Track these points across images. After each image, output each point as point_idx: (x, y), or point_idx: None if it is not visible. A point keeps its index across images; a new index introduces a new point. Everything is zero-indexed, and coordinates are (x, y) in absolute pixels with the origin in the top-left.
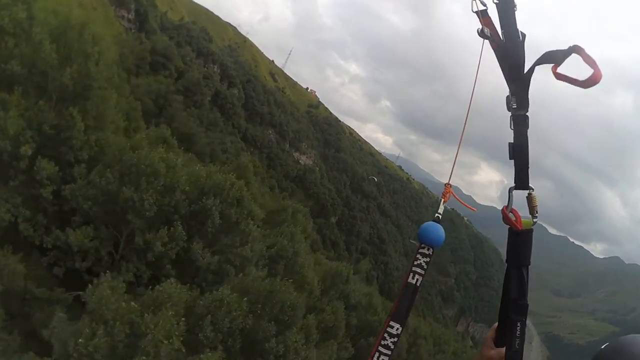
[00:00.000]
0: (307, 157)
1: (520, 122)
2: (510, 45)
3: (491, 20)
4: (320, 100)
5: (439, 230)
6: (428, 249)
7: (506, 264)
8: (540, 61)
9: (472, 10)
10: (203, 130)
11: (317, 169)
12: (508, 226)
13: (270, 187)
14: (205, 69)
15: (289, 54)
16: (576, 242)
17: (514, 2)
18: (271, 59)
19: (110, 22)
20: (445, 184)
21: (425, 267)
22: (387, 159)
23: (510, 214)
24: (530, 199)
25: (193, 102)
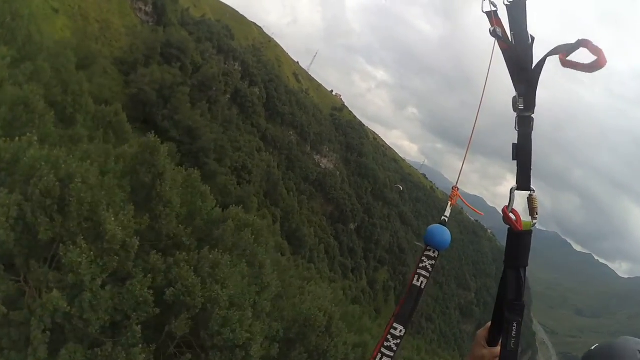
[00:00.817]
0: (328, 161)
1: (525, 123)
2: (520, 48)
3: (501, 22)
4: (346, 105)
5: (445, 233)
6: (434, 252)
7: (504, 265)
8: (551, 54)
9: (483, 11)
10: (216, 125)
11: (338, 173)
12: (508, 226)
13: (288, 189)
14: (226, 65)
15: (315, 56)
16: (601, 260)
17: (525, 4)
18: (296, 61)
19: (126, 13)
20: (452, 187)
21: (430, 269)
22: (411, 166)
23: (511, 215)
24: (530, 200)
25: (207, 98)
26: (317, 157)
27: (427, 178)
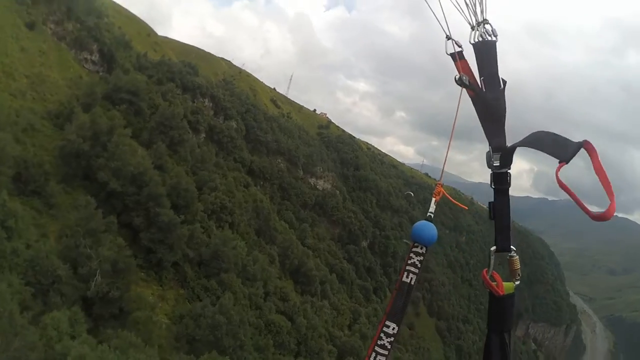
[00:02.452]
0: (324, 181)
1: (501, 180)
2: (491, 96)
3: (467, 64)
4: (336, 122)
5: (431, 229)
6: (421, 248)
7: (487, 329)
8: (537, 145)
9: (447, 53)
10: (181, 167)
11: (338, 192)
12: (488, 290)
13: (286, 220)
14: (194, 103)
15: (290, 78)
16: (619, 215)
17: (495, 45)
18: (272, 87)
19: (68, 66)
20: (436, 183)
21: (419, 265)
22: (411, 169)
23: (491, 278)
24: (511, 262)
25: (169, 139)
26: (312, 180)
27: (430, 176)
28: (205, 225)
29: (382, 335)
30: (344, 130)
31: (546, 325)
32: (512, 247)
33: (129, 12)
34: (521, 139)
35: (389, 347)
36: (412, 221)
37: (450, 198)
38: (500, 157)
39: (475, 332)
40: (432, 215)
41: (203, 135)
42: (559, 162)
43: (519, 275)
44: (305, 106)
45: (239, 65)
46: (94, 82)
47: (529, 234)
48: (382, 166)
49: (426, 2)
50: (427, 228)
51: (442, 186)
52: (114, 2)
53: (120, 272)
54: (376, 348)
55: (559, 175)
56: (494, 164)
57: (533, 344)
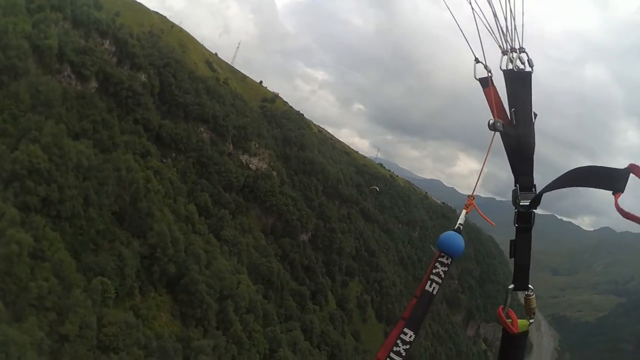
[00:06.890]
0: (259, 160)
1: (526, 219)
2: (522, 132)
3: (497, 92)
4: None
5: (459, 241)
6: (447, 259)
7: None
8: (579, 183)
9: (475, 77)
10: None
11: (275, 173)
12: (502, 327)
13: (200, 205)
14: (84, 42)
15: (238, 47)
16: (564, 219)
17: (530, 75)
18: (214, 52)
19: None
20: (468, 196)
21: (442, 276)
22: (365, 157)
23: (506, 316)
24: (528, 301)
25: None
26: (244, 157)
27: (384, 167)
28: None
29: (398, 342)
30: (292, 107)
31: (497, 325)
32: (529, 286)
33: None
34: (553, 180)
35: (404, 354)
36: (363, 213)
37: (480, 212)
38: (532, 199)
39: (427, 337)
40: (462, 227)
41: (94, 84)
42: (614, 194)
43: (533, 314)
44: (250, 77)
45: (177, 23)
46: None
47: (481, 232)
48: (333, 151)
49: (455, 21)
50: (455, 239)
51: (473, 199)
52: None
53: None
54: (392, 355)
55: (619, 204)
56: (521, 203)
57: (483, 344)
